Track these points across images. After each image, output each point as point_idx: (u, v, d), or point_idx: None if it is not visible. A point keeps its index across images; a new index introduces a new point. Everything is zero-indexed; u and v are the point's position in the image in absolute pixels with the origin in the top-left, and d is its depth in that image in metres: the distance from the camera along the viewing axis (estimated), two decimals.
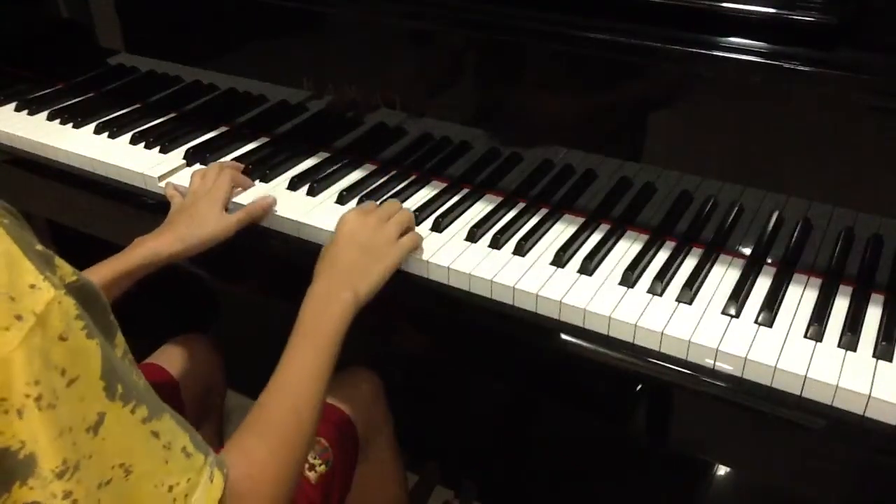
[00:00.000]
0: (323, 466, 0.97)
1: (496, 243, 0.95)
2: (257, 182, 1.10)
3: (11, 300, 0.49)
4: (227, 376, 1.27)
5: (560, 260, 0.91)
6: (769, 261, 0.91)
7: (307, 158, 1.16)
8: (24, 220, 0.55)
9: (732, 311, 0.83)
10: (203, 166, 1.14)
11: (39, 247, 0.53)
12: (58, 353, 0.50)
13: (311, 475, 0.95)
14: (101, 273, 0.91)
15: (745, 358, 0.78)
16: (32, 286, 0.50)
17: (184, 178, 1.10)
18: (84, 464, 0.52)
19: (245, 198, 1.05)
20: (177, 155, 1.18)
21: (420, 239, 0.94)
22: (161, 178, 1.12)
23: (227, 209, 1.01)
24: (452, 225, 0.99)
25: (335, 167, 1.12)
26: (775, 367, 0.76)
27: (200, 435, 0.62)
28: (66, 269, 0.54)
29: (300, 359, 0.77)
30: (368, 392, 1.14)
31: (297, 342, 0.78)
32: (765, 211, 0.91)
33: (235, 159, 1.15)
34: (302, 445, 0.72)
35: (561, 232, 0.98)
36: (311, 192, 1.07)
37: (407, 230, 0.94)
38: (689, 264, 0.91)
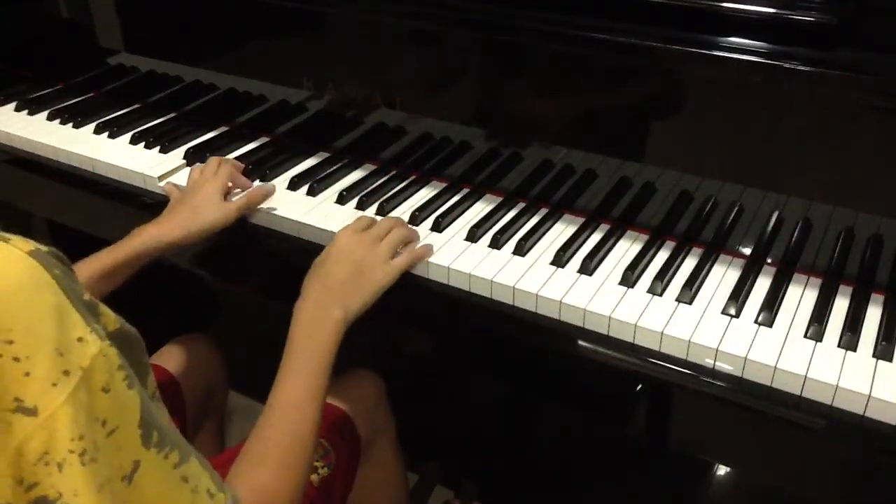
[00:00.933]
0: (325, 469, 0.96)
1: (496, 243, 0.95)
2: (257, 182, 1.10)
3: (60, 355, 0.49)
4: (227, 376, 1.27)
5: (560, 260, 0.91)
6: (769, 261, 0.91)
7: (307, 158, 1.16)
8: (71, 268, 0.55)
9: (732, 311, 0.83)
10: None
11: (87, 296, 0.53)
12: (100, 405, 0.51)
13: (314, 477, 0.95)
14: (103, 261, 0.91)
15: (745, 358, 0.77)
16: (80, 339, 0.50)
17: (184, 178, 1.10)
18: None
19: (184, 180, 1.06)
20: (177, 155, 1.18)
21: (414, 258, 0.92)
22: (161, 177, 1.12)
23: (226, 198, 1.02)
24: (452, 225, 0.99)
25: (335, 167, 1.12)
26: (775, 367, 0.76)
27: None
28: (109, 316, 0.54)
29: (294, 381, 0.77)
30: (371, 394, 1.13)
31: (289, 364, 0.78)
32: (765, 211, 0.91)
33: (235, 159, 1.15)
34: (304, 465, 0.73)
35: (561, 232, 0.98)
36: (311, 192, 1.07)
37: (405, 244, 0.93)
38: (689, 264, 0.91)
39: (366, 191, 1.06)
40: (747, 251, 0.93)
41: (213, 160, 1.07)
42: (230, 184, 1.04)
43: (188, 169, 1.15)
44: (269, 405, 0.75)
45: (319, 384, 0.78)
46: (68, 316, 0.50)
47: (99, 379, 0.50)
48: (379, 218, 0.98)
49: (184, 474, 0.57)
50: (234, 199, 1.04)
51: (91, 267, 0.91)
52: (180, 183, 1.09)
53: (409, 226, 0.97)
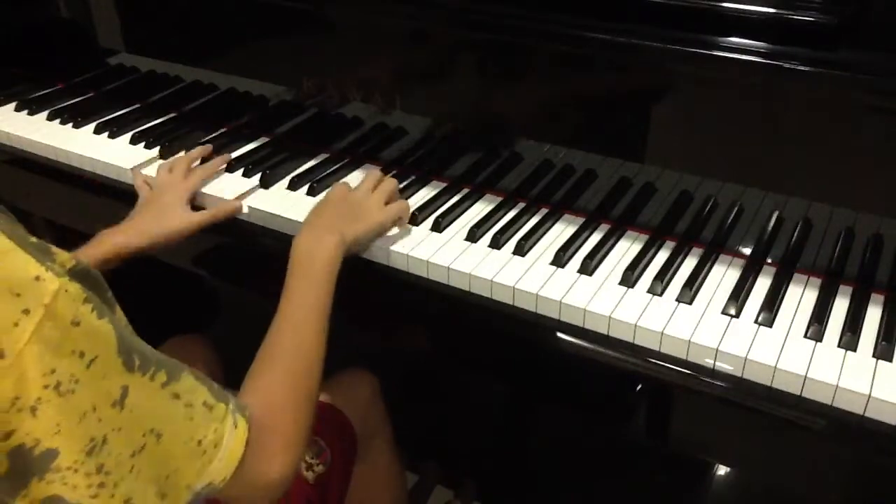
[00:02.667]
0: (321, 466, 0.97)
1: (496, 243, 0.95)
2: (257, 183, 1.10)
3: (17, 296, 0.49)
4: (226, 376, 1.27)
5: (560, 260, 0.91)
6: (769, 261, 0.91)
7: (307, 158, 1.16)
8: (11, 215, 0.55)
9: (732, 311, 0.83)
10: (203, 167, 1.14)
11: (33, 239, 0.54)
12: (73, 338, 0.51)
13: (309, 475, 0.95)
14: None
15: (745, 358, 0.77)
16: (37, 278, 0.50)
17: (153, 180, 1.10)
18: (112, 437, 0.54)
19: (217, 188, 1.06)
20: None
21: (408, 207, 0.96)
22: (132, 169, 1.13)
23: (193, 205, 1.03)
24: (452, 225, 0.99)
25: (335, 167, 1.12)
26: (775, 367, 0.76)
27: None
28: (63, 255, 0.55)
29: (296, 296, 0.79)
30: (366, 393, 1.14)
31: (290, 283, 0.80)
32: (765, 211, 0.91)
33: (235, 159, 1.15)
34: (312, 377, 0.75)
35: (561, 232, 0.98)
36: (312, 192, 1.07)
37: (393, 200, 0.97)
38: (689, 264, 0.91)
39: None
40: (747, 251, 0.93)
41: (182, 160, 1.09)
42: (201, 188, 1.06)
43: (157, 165, 1.15)
44: (274, 321, 0.77)
45: (321, 299, 0.80)
46: (17, 257, 0.50)
47: (65, 313, 0.51)
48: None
49: (174, 391, 0.59)
50: (208, 190, 1.06)
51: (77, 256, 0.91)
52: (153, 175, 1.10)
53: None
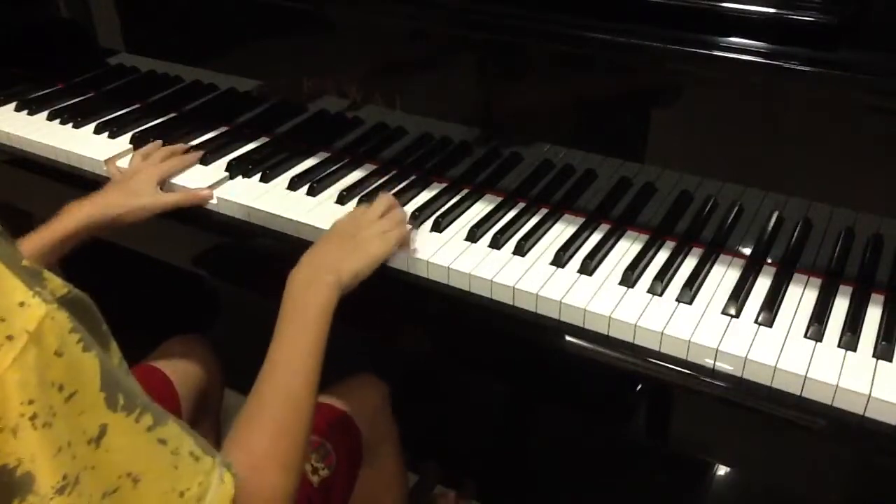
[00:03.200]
0: (326, 470, 0.96)
1: (496, 243, 0.95)
2: (257, 182, 1.10)
3: (1, 321, 0.48)
4: (226, 376, 1.27)
5: (560, 260, 0.91)
6: (769, 261, 0.91)
7: (307, 158, 1.16)
8: (8, 235, 0.54)
9: (732, 311, 0.83)
10: (203, 166, 1.14)
11: (26, 262, 0.52)
12: (54, 370, 0.49)
13: (314, 478, 0.95)
14: (34, 242, 0.91)
15: (745, 358, 0.77)
16: (22, 304, 0.49)
17: (184, 178, 1.10)
18: (85, 476, 0.51)
19: (245, 196, 1.06)
20: None
21: (408, 233, 0.94)
22: (108, 161, 1.14)
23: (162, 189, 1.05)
24: (452, 225, 0.99)
25: (335, 167, 1.12)
26: (775, 367, 0.76)
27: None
28: (55, 282, 0.53)
29: (287, 343, 0.76)
30: (375, 399, 1.13)
31: (282, 328, 0.77)
32: (765, 211, 0.91)
33: (235, 159, 1.15)
34: (301, 429, 0.71)
35: (561, 232, 0.98)
36: (311, 192, 1.07)
37: (399, 225, 0.94)
38: (689, 264, 0.91)
39: (366, 191, 1.07)
40: (747, 251, 0.93)
41: (160, 150, 1.12)
42: (172, 177, 1.08)
43: (132, 154, 1.15)
44: (263, 369, 0.74)
45: (314, 345, 0.76)
46: (5, 282, 0.49)
47: (50, 342, 0.49)
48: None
49: (160, 437, 0.56)
50: (178, 181, 1.09)
51: (28, 246, 0.91)
52: (175, 181, 1.10)
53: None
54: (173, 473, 0.56)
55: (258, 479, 0.65)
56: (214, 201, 1.06)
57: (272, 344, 0.76)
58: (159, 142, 1.17)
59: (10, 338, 0.48)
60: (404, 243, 0.93)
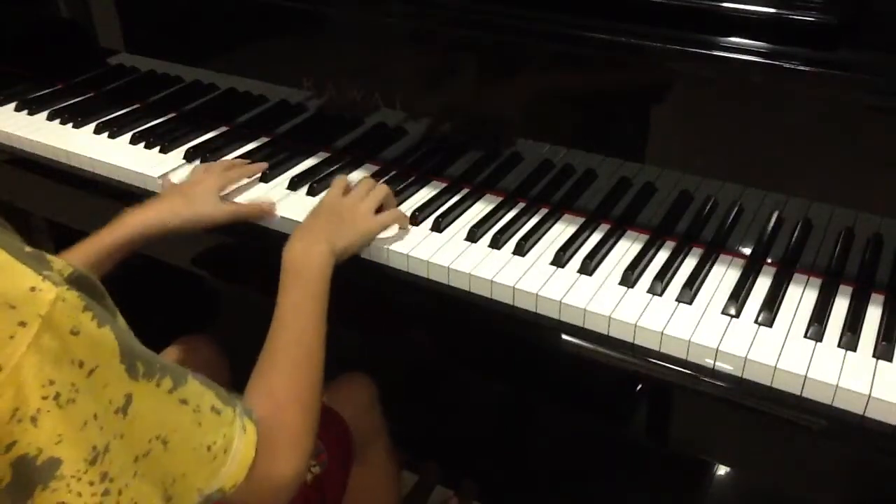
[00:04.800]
0: (318, 467, 0.97)
1: (496, 243, 0.95)
2: (258, 182, 1.10)
3: (11, 308, 0.48)
4: (233, 376, 1.27)
5: (560, 260, 0.91)
6: (769, 261, 0.91)
7: (307, 158, 1.16)
8: (7, 224, 0.55)
9: (732, 311, 0.83)
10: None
11: (28, 248, 0.53)
12: (73, 348, 0.51)
13: (307, 476, 0.95)
14: (96, 245, 0.90)
15: (745, 358, 0.77)
16: (33, 289, 0.49)
17: (177, 175, 1.10)
18: (115, 444, 0.53)
19: (249, 198, 1.06)
20: (177, 155, 1.18)
21: (399, 215, 0.96)
22: (161, 178, 1.12)
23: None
24: (452, 225, 0.99)
25: (335, 167, 1.12)
26: (775, 367, 0.76)
27: None
28: (59, 263, 0.54)
29: (291, 300, 0.79)
30: (364, 397, 1.14)
31: (284, 289, 0.80)
32: (765, 211, 0.91)
33: (235, 159, 1.15)
34: (313, 369, 0.75)
35: (561, 232, 0.98)
36: (312, 192, 1.07)
37: (385, 207, 0.97)
38: (689, 264, 0.91)
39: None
40: (747, 251, 0.93)
41: (222, 162, 1.09)
42: (233, 187, 1.05)
43: (188, 169, 1.15)
44: (273, 326, 0.77)
45: (317, 303, 0.80)
46: (11, 269, 0.50)
47: (64, 323, 0.50)
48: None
49: (182, 397, 0.58)
50: (239, 199, 1.05)
51: (85, 251, 0.90)
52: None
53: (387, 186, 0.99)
54: (198, 430, 0.59)
55: (280, 418, 0.68)
56: (279, 220, 1.03)
57: (277, 305, 0.79)
58: (223, 159, 1.14)
59: (22, 324, 0.49)
60: (400, 222, 0.96)
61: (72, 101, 1.35)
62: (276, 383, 0.72)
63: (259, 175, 1.11)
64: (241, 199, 1.06)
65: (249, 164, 1.11)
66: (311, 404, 0.72)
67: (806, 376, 0.75)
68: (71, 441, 0.51)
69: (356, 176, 1.11)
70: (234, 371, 1.26)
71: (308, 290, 0.80)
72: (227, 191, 1.04)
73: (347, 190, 0.97)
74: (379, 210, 0.96)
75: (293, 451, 0.68)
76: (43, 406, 0.49)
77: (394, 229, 0.97)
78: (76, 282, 0.53)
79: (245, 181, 1.08)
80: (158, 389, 0.56)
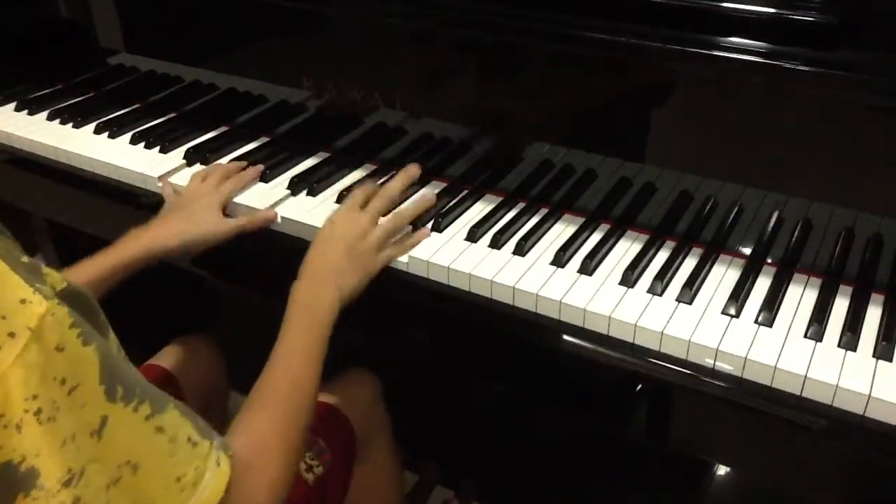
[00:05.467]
0: (321, 468, 0.96)
1: (496, 243, 0.95)
2: (258, 182, 1.10)
3: (2, 318, 0.48)
4: (230, 376, 1.27)
5: (560, 260, 0.91)
6: (769, 261, 0.91)
7: (307, 158, 1.16)
8: (7, 232, 0.54)
9: (732, 311, 0.83)
10: (203, 166, 1.14)
11: (25, 258, 0.53)
12: (56, 365, 0.50)
13: (309, 476, 0.95)
14: (99, 265, 0.91)
15: (745, 358, 0.78)
16: (23, 301, 0.49)
17: (184, 178, 1.10)
18: (90, 468, 0.52)
19: (248, 198, 1.05)
20: (177, 155, 1.18)
21: (402, 250, 0.94)
22: (161, 178, 1.12)
23: (225, 213, 1.02)
24: (452, 225, 0.99)
25: (335, 167, 1.12)
26: (775, 367, 0.76)
27: None
28: (54, 276, 0.54)
29: (293, 340, 0.79)
30: (367, 394, 1.14)
31: (288, 328, 0.80)
32: (765, 211, 0.91)
33: (235, 159, 1.15)
34: (303, 414, 0.74)
35: (561, 232, 0.98)
36: (311, 192, 1.07)
37: (398, 229, 0.95)
38: (689, 264, 0.91)
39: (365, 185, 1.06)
40: (747, 251, 0.93)
41: (216, 171, 1.08)
42: (233, 198, 1.05)
43: (188, 169, 1.15)
44: (269, 362, 0.76)
45: (318, 347, 0.80)
46: (6, 279, 0.49)
47: (50, 338, 0.50)
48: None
49: (158, 424, 0.57)
50: (239, 200, 1.05)
51: (87, 271, 0.90)
52: (179, 183, 1.09)
53: (400, 209, 0.98)
54: (170, 460, 0.58)
55: (261, 457, 0.67)
56: (279, 221, 1.03)
57: (278, 341, 0.78)
58: (218, 163, 1.13)
59: (11, 335, 0.48)
60: (400, 255, 0.94)
61: (72, 101, 1.35)
62: (265, 421, 0.71)
63: (262, 169, 1.10)
64: (242, 199, 1.05)
65: (245, 167, 1.11)
66: (295, 446, 0.72)
67: (806, 376, 0.75)
68: (49, 458, 0.50)
69: (356, 176, 1.11)
70: (232, 371, 1.26)
71: (312, 333, 0.80)
72: (232, 199, 1.04)
73: (361, 202, 0.95)
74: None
75: (269, 490, 0.67)
76: (24, 419, 0.49)
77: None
78: (68, 297, 0.53)
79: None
80: (135, 415, 0.55)
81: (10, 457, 0.49)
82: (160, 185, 1.11)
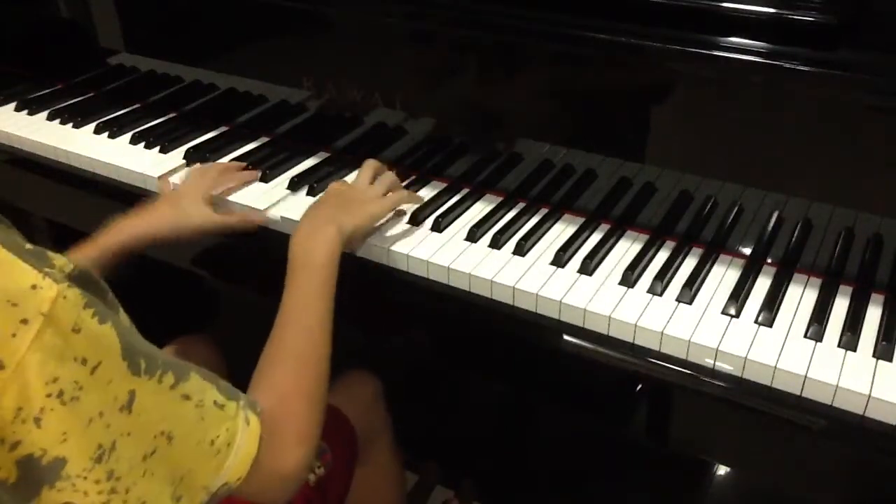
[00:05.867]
0: (322, 468, 0.96)
1: (496, 243, 0.95)
2: (258, 181, 1.10)
3: (13, 306, 0.49)
4: (232, 376, 1.27)
5: (560, 260, 0.91)
6: (769, 261, 0.91)
7: (307, 158, 1.16)
8: (7, 221, 0.55)
9: (732, 311, 0.83)
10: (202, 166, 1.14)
11: (29, 245, 0.53)
12: (75, 345, 0.51)
13: (311, 477, 0.95)
14: (84, 253, 0.91)
15: (745, 358, 0.77)
16: (34, 286, 0.50)
17: (178, 177, 1.10)
18: (122, 442, 0.53)
19: (249, 198, 1.05)
20: (177, 155, 1.18)
21: (407, 194, 0.96)
22: (161, 177, 1.12)
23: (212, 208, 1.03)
24: (452, 225, 0.99)
25: (335, 167, 1.12)
26: (775, 366, 0.76)
27: None
28: (60, 260, 0.54)
29: (298, 288, 0.79)
30: (368, 394, 1.14)
31: (291, 276, 0.80)
32: (765, 211, 0.91)
33: (235, 159, 1.15)
34: (320, 361, 0.74)
35: (561, 232, 0.98)
36: (312, 193, 1.07)
37: (395, 185, 0.97)
38: (689, 264, 0.91)
39: None
40: (747, 251, 0.93)
41: (215, 166, 1.09)
42: (222, 189, 1.06)
43: (188, 169, 1.15)
44: (279, 315, 0.76)
45: (323, 289, 0.79)
46: (12, 267, 0.50)
47: (65, 320, 0.50)
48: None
49: (184, 392, 0.58)
50: (234, 198, 1.05)
51: (74, 259, 0.90)
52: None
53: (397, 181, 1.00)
54: (201, 425, 0.59)
55: (285, 410, 0.68)
56: (279, 220, 1.03)
57: (284, 295, 0.78)
58: (218, 162, 1.14)
59: (24, 321, 0.49)
60: (413, 200, 0.97)
61: (72, 101, 1.35)
62: (282, 375, 0.71)
63: (259, 175, 1.10)
64: (241, 199, 1.05)
65: (245, 167, 1.11)
66: (317, 396, 0.72)
67: (806, 376, 0.75)
68: (76, 439, 0.51)
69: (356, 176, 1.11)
70: (232, 371, 1.26)
71: (315, 278, 0.79)
72: (218, 192, 1.05)
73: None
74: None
75: (299, 443, 0.68)
76: (47, 404, 0.50)
77: (395, 228, 0.97)
78: (77, 279, 0.53)
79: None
80: (161, 385, 0.56)
81: (30, 451, 0.50)
82: (158, 181, 1.11)
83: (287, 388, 0.70)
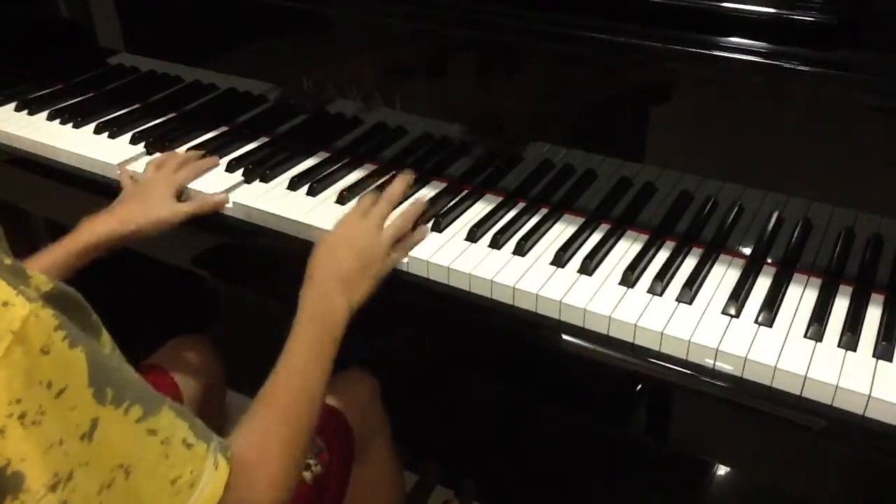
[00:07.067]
0: (319, 467, 0.97)
1: (496, 243, 0.95)
2: (257, 182, 1.10)
3: None
4: (227, 376, 1.27)
5: (560, 260, 0.91)
6: (769, 261, 0.91)
7: (307, 158, 1.16)
8: None
9: (732, 311, 0.83)
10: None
11: (9, 260, 0.52)
12: (41, 368, 0.50)
13: (307, 475, 0.95)
14: (54, 255, 0.91)
15: (745, 358, 0.77)
16: (5, 303, 0.49)
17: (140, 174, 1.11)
18: (79, 472, 0.52)
19: (249, 197, 1.06)
20: None
21: (409, 250, 0.94)
22: (119, 165, 1.13)
23: (180, 199, 1.04)
24: (452, 225, 0.99)
25: (335, 167, 1.12)
26: (775, 367, 0.76)
27: None
28: (39, 278, 0.53)
29: (301, 343, 0.78)
30: (365, 394, 1.14)
31: (297, 330, 0.79)
32: (765, 211, 0.91)
33: (235, 159, 1.15)
34: (311, 415, 0.74)
35: (561, 232, 0.98)
36: (311, 192, 1.07)
37: (403, 231, 0.95)
38: (689, 264, 0.91)
39: (366, 191, 1.06)
40: (747, 251, 0.93)
41: (172, 157, 1.10)
42: (187, 185, 1.07)
43: (146, 161, 1.15)
44: (278, 364, 0.76)
45: (327, 354, 0.79)
46: None
47: (35, 341, 0.49)
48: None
49: (150, 427, 0.56)
50: (195, 186, 1.07)
51: (43, 261, 0.91)
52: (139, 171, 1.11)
53: (403, 212, 0.97)
54: (164, 462, 0.57)
55: (263, 454, 0.67)
56: (230, 205, 1.05)
57: (287, 345, 0.78)
58: (175, 151, 1.15)
59: None
60: (407, 253, 0.94)
61: (72, 101, 1.35)
62: (268, 420, 0.71)
63: (258, 174, 1.10)
64: (242, 198, 1.05)
65: (201, 156, 1.13)
66: (300, 447, 0.72)
67: (806, 376, 0.75)
68: (33, 463, 0.50)
69: (356, 176, 1.11)
70: (229, 371, 1.26)
71: (323, 340, 0.80)
72: (188, 184, 1.06)
73: (369, 208, 0.95)
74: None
75: (272, 487, 0.66)
76: (8, 423, 0.49)
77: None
78: (54, 298, 0.53)
79: (209, 175, 1.10)
80: (126, 417, 0.55)
81: None
82: (118, 172, 1.12)
83: (269, 435, 0.69)
